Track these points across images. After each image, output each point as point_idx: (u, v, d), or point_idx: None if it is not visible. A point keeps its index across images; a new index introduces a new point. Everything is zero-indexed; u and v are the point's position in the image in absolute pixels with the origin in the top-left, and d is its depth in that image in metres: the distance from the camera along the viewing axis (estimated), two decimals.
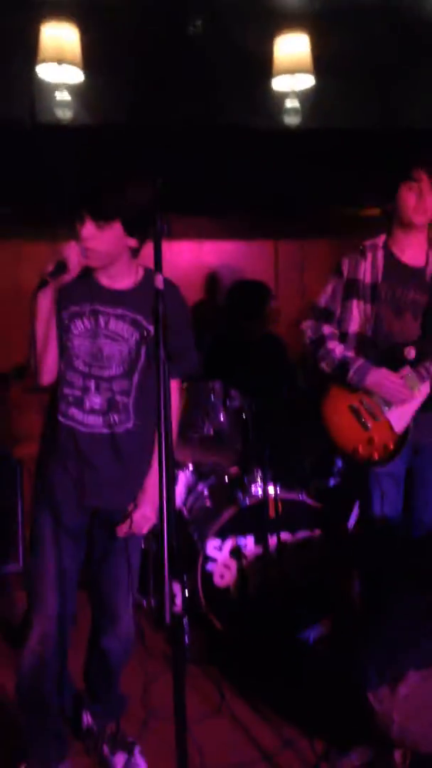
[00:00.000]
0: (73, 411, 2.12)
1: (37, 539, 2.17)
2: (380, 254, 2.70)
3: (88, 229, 2.00)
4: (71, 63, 3.32)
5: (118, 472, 2.15)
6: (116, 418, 2.13)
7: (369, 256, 2.70)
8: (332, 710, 2.46)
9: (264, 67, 3.62)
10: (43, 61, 3.26)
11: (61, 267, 1.96)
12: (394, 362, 2.63)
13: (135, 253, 2.11)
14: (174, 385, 2.28)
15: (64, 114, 3.41)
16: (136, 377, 2.13)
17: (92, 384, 2.11)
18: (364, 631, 2.38)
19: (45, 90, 3.43)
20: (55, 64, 3.25)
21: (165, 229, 1.75)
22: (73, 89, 3.43)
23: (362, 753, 2.35)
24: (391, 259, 2.69)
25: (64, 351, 2.09)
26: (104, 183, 2.01)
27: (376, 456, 2.65)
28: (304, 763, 2.37)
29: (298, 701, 2.66)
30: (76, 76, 3.36)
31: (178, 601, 1.53)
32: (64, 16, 3.32)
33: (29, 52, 3.35)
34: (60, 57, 3.23)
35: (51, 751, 2.26)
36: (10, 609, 3.43)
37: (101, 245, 2.01)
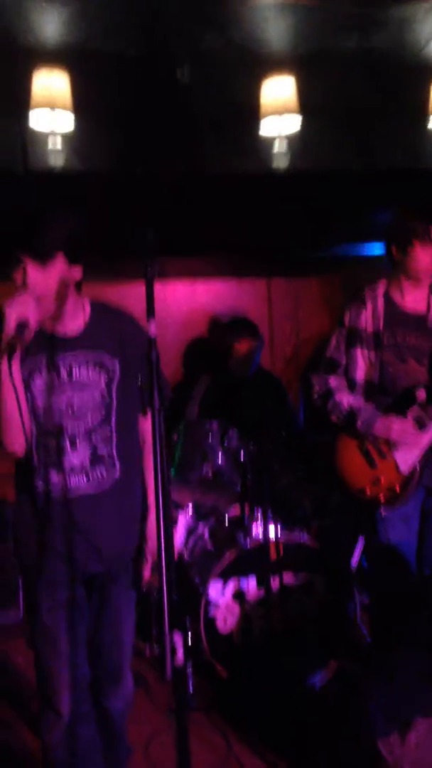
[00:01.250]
0: (52, 475, 1.98)
1: (42, 629, 2.03)
2: (380, 302, 2.73)
3: (33, 274, 1.90)
4: (62, 108, 3.36)
5: (113, 528, 2.04)
6: (103, 472, 2.01)
7: (369, 305, 2.74)
8: (340, 758, 2.40)
9: (251, 112, 3.67)
10: (35, 107, 3.32)
11: (23, 326, 1.82)
12: (405, 404, 2.66)
13: (79, 287, 2.00)
14: (148, 424, 2.22)
15: (56, 161, 3.45)
16: (113, 421, 2.02)
17: (67, 443, 1.97)
18: (372, 677, 2.33)
19: (36, 137, 3.48)
20: (48, 109, 3.29)
21: (154, 271, 1.70)
22: (66, 137, 3.48)
23: None
24: (391, 306, 2.72)
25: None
26: (34, 220, 1.94)
27: (381, 498, 2.66)
28: None
29: (306, 749, 2.59)
30: (67, 123, 3.41)
31: (180, 653, 1.50)
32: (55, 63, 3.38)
33: (20, 100, 3.41)
34: (51, 103, 3.27)
35: None
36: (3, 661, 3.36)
37: (50, 286, 1.92)
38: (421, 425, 2.61)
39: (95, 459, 1.99)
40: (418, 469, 2.64)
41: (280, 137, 3.64)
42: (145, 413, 1.98)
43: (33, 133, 3.42)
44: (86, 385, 1.98)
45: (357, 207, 3.89)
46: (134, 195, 3.65)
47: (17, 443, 1.93)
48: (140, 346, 2.05)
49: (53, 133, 3.39)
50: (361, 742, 2.19)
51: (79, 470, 1.99)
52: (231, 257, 4.37)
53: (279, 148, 3.74)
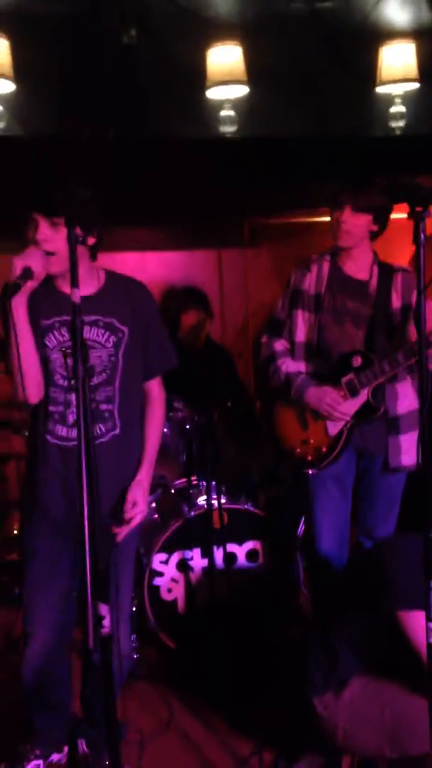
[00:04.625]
0: (59, 428, 2.09)
1: (32, 553, 2.16)
2: (326, 266, 2.78)
3: (44, 230, 1.97)
4: (1, 74, 3.26)
5: (110, 481, 2.08)
6: (102, 428, 2.11)
7: (314, 268, 2.79)
8: (281, 720, 2.45)
9: (198, 78, 3.61)
10: None
11: (27, 273, 1.91)
12: (341, 370, 2.69)
13: (93, 254, 2.10)
14: (157, 383, 2.30)
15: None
16: (117, 382, 2.12)
17: (73, 397, 2.06)
18: (311, 639, 2.37)
19: None
20: None
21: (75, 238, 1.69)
22: (3, 100, 3.37)
23: (311, 761, 2.33)
24: (336, 271, 2.77)
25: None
26: (50, 180, 2.00)
27: (310, 457, 2.71)
28: None
29: (249, 714, 2.63)
30: (6, 86, 3.30)
31: (106, 622, 1.49)
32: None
33: None
34: None
35: (51, 741, 2.27)
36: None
37: (61, 245, 1.96)
38: (353, 392, 2.65)
39: (96, 415, 2.09)
40: (345, 431, 2.68)
41: (228, 102, 3.58)
42: (151, 376, 2.23)
43: None
44: (95, 344, 2.08)
45: (307, 174, 3.87)
46: (78, 161, 3.56)
47: (32, 394, 2.04)
48: (151, 315, 2.22)
49: None
50: (297, 701, 2.23)
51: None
52: (181, 228, 4.32)
53: (227, 113, 3.68)
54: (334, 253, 2.78)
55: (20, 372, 1.96)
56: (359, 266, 2.75)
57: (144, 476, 2.25)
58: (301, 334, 2.79)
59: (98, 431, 2.09)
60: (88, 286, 2.09)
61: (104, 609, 1.47)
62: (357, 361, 2.65)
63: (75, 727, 2.38)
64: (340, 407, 2.65)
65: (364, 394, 2.64)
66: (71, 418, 2.07)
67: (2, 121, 3.42)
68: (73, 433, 2.01)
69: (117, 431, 2.13)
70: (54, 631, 2.17)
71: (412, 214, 1.67)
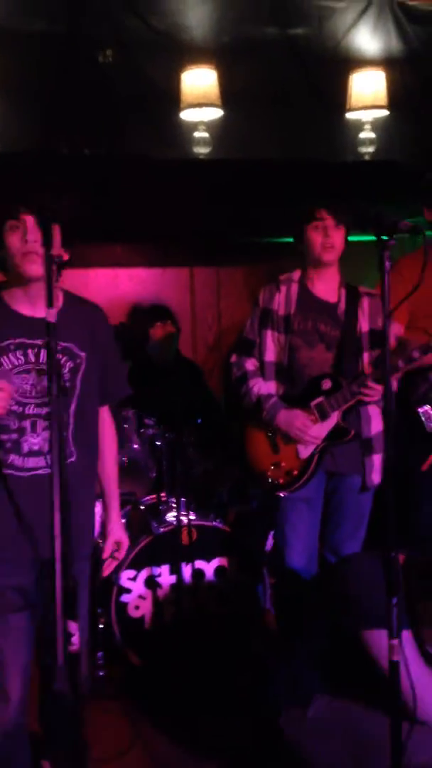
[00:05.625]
0: (12, 457, 1.99)
1: None
2: (294, 288, 2.80)
3: (33, 232, 1.90)
4: None
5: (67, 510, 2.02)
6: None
7: (283, 289, 2.81)
8: (246, 736, 2.46)
9: (172, 100, 3.67)
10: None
11: None
12: (311, 393, 2.72)
13: (59, 272, 1.99)
14: (107, 410, 2.27)
15: None
16: (72, 407, 2.05)
17: (28, 424, 1.99)
18: (276, 656, 2.39)
19: None
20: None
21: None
22: None
23: None
24: (305, 292, 2.80)
25: None
26: (42, 186, 1.97)
27: (281, 480, 2.73)
28: None
29: (214, 730, 2.64)
30: None
31: (75, 639, 1.51)
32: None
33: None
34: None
35: None
36: None
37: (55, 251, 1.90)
38: (323, 415, 2.68)
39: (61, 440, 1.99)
40: (316, 455, 2.71)
41: (202, 124, 3.65)
42: (104, 404, 2.20)
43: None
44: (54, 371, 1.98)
45: (279, 196, 3.93)
46: (55, 178, 3.59)
47: None
48: (109, 340, 2.18)
49: None
50: (262, 717, 2.25)
51: (37, 452, 2.00)
52: (154, 245, 4.36)
53: (200, 134, 3.74)
54: (302, 274, 2.82)
55: None
56: (328, 288, 2.80)
57: (117, 513, 2.27)
58: (270, 354, 2.80)
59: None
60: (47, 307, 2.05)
61: (73, 627, 1.49)
62: (326, 384, 2.69)
63: (38, 749, 2.34)
64: (310, 431, 2.68)
65: (334, 417, 2.67)
66: (26, 447, 1.99)
67: None
68: (30, 462, 1.99)
69: (73, 458, 2.05)
70: (25, 679, 2.04)
71: (377, 243, 1.72)
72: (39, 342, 2.00)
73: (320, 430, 2.69)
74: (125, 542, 2.29)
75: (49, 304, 1.59)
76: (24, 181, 2.07)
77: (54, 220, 1.86)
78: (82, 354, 2.07)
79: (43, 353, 1.99)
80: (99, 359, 2.11)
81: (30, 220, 1.92)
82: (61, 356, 2.03)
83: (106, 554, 2.29)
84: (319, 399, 2.68)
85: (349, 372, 2.69)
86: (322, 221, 2.69)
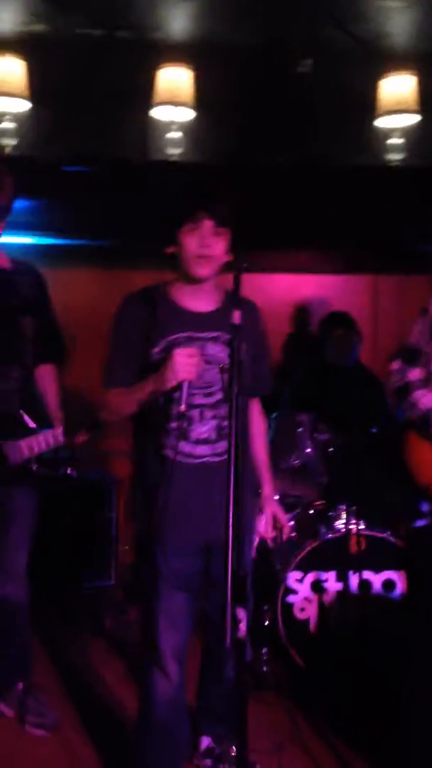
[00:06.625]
0: (181, 444, 2.05)
1: (159, 596, 2.11)
2: None
3: (208, 235, 2.03)
4: (182, 103, 3.52)
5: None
6: (225, 445, 2.06)
7: None
8: (404, 750, 2.41)
9: (369, 107, 3.67)
10: (158, 104, 3.52)
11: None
12: None
13: (221, 271, 2.12)
14: (257, 403, 2.36)
15: (174, 150, 3.62)
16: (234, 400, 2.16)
17: (197, 413, 2.08)
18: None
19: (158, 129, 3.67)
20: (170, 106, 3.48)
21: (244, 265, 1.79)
22: (184, 127, 3.62)
23: None
24: None
25: None
26: (218, 191, 2.09)
27: None
28: None
29: (371, 740, 2.62)
30: (186, 114, 3.55)
31: (242, 625, 1.57)
32: (174, 59, 3.52)
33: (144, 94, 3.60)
34: (174, 99, 3.46)
35: None
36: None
37: (218, 251, 2.05)
38: None
39: (220, 432, 2.09)
40: None
41: (397, 131, 3.62)
42: (253, 396, 2.28)
43: (154, 122, 3.60)
44: (215, 361, 2.09)
45: None
46: (243, 186, 3.72)
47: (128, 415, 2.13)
48: (263, 337, 2.28)
49: (172, 124, 3.56)
50: (427, 736, 2.19)
51: (204, 441, 2.09)
52: (337, 252, 4.37)
53: (395, 142, 3.72)
54: None
55: (126, 412, 2.11)
56: None
57: (270, 491, 2.38)
58: None
59: (223, 448, 2.07)
60: (210, 302, 2.14)
61: (242, 612, 1.55)
62: None
63: (195, 725, 2.45)
64: None
65: None
66: (194, 435, 2.07)
67: (181, 147, 3.66)
68: (198, 450, 2.07)
69: (240, 449, 2.14)
70: (182, 659, 2.15)
71: None
72: (204, 335, 2.10)
73: None
74: (281, 515, 2.36)
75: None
76: (224, 191, 2.18)
77: (229, 225, 2.02)
78: (242, 344, 2.09)
79: (208, 345, 2.09)
80: (254, 352, 2.17)
81: (208, 225, 2.03)
82: (222, 347, 2.10)
83: (261, 527, 2.35)
84: None
85: None
86: None
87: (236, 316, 1.71)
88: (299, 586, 3.08)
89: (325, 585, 3.08)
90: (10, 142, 3.60)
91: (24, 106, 3.53)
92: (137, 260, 3.85)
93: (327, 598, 3.08)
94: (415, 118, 3.60)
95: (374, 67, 3.70)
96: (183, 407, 1.96)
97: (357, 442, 3.27)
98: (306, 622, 3.08)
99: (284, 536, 2.42)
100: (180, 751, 2.31)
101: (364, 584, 3.08)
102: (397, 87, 3.61)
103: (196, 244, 2.05)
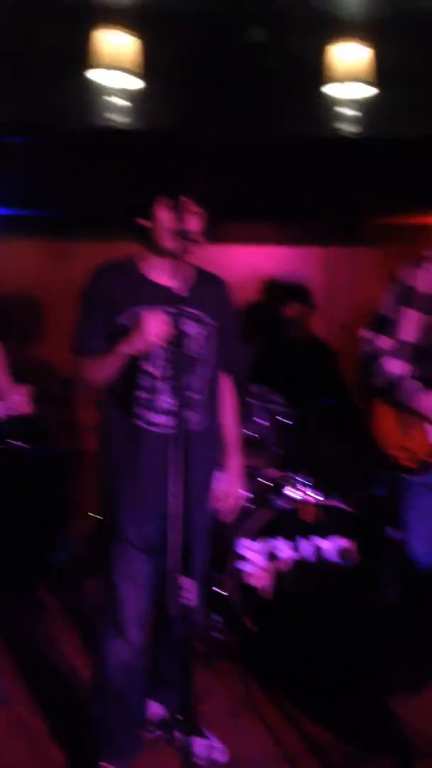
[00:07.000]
0: (147, 413, 2.14)
1: (123, 561, 2.18)
2: None
3: (185, 205, 2.04)
4: (130, 69, 3.43)
5: (197, 469, 2.09)
6: (193, 416, 2.18)
7: (429, 267, 2.68)
8: (358, 715, 2.47)
9: (321, 76, 3.63)
10: (98, 66, 3.41)
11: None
12: None
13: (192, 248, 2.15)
14: (228, 380, 2.41)
15: (121, 120, 3.53)
16: (204, 373, 2.21)
17: (162, 385, 2.13)
18: (395, 638, 2.38)
19: (102, 94, 3.57)
20: (111, 70, 3.38)
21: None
22: (131, 95, 3.54)
23: (385, 759, 2.35)
24: None
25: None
26: (199, 171, 2.13)
27: (407, 464, 2.68)
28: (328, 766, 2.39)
29: (326, 705, 2.67)
30: (133, 83, 3.47)
31: (189, 594, 1.58)
32: (122, 23, 3.44)
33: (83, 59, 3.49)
34: (117, 63, 3.36)
35: (130, 746, 2.30)
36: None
37: (193, 227, 2.08)
38: None
39: (185, 403, 2.11)
40: None
41: (347, 101, 3.60)
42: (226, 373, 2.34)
43: (101, 89, 3.50)
44: (187, 337, 2.14)
45: (423, 176, 3.81)
46: (195, 157, 3.67)
47: (96, 386, 2.16)
48: (233, 313, 2.34)
49: (120, 91, 3.47)
50: (377, 698, 2.25)
51: (168, 412, 2.13)
52: (291, 224, 4.36)
53: (348, 113, 3.70)
54: None
55: (101, 378, 2.12)
56: None
57: (237, 466, 2.42)
58: (409, 335, 2.69)
59: (191, 419, 2.15)
60: (181, 278, 2.12)
61: (187, 582, 1.56)
62: None
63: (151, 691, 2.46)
64: None
65: None
66: (159, 404, 2.13)
67: (128, 116, 3.59)
68: (163, 420, 2.13)
69: (204, 421, 2.22)
70: (144, 622, 2.21)
71: None
72: (175, 310, 2.08)
73: None
74: (237, 492, 2.43)
75: (178, 277, 1.66)
76: (174, 161, 2.17)
77: (207, 204, 2.07)
78: (214, 323, 2.21)
79: (180, 321, 2.07)
80: (225, 329, 2.26)
81: (184, 202, 2.05)
82: (195, 324, 2.17)
83: (219, 500, 2.41)
84: None
85: None
86: None
87: (180, 288, 1.70)
88: (253, 554, 3.11)
89: (279, 553, 3.12)
90: None
91: None
92: (84, 231, 3.80)
93: (281, 566, 3.12)
94: (369, 89, 3.58)
95: (327, 36, 3.66)
96: (153, 372, 2.05)
97: (311, 414, 3.30)
98: (259, 590, 3.11)
99: (236, 512, 2.47)
100: (136, 716, 2.34)
101: (318, 552, 3.12)
102: (350, 56, 3.57)
103: (171, 219, 2.06)
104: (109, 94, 3.54)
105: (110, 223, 2.29)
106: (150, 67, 3.53)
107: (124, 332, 2.06)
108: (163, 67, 3.58)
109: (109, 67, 3.42)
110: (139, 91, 3.56)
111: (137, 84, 3.52)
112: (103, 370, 2.13)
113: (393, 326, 2.74)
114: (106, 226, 2.16)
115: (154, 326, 1.97)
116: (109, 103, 3.56)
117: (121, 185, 2.27)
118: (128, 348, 2.04)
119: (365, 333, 2.82)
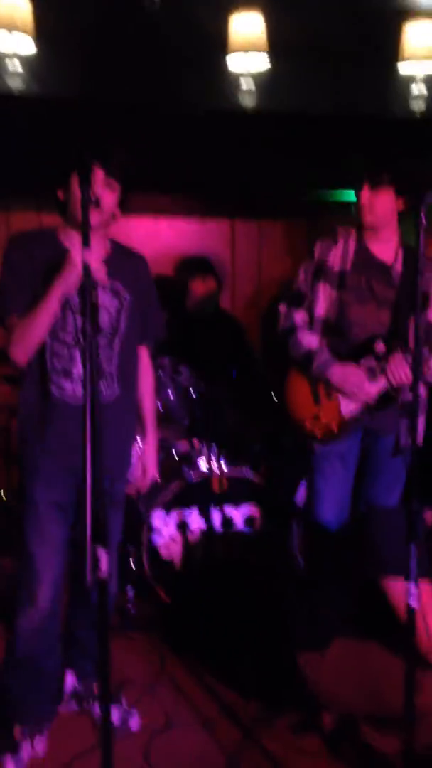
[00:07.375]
0: (63, 382, 2.17)
1: (35, 525, 2.19)
2: (352, 243, 2.74)
3: (100, 185, 2.04)
4: (23, 32, 3.29)
5: (112, 439, 2.12)
6: (105, 387, 2.20)
7: (341, 242, 2.75)
8: (267, 675, 2.55)
9: (219, 46, 3.62)
10: None
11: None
12: (362, 352, 2.70)
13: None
14: (146, 350, 2.42)
15: (15, 84, 3.40)
16: (118, 345, 2.23)
17: (77, 353, 2.15)
18: (299, 600, 2.46)
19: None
20: (5, 32, 3.23)
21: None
22: (24, 60, 3.41)
23: (294, 715, 2.44)
24: (362, 250, 2.73)
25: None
26: (114, 141, 2.13)
27: (318, 434, 2.74)
28: (241, 727, 2.45)
29: (237, 669, 2.74)
30: (27, 46, 3.34)
31: (103, 566, 1.58)
32: None
33: None
34: (11, 25, 3.21)
35: (44, 712, 2.30)
36: None
37: (108, 200, 2.08)
38: (372, 376, 2.67)
39: (98, 374, 2.15)
40: (358, 414, 2.72)
41: (246, 75, 3.60)
42: (144, 344, 2.37)
43: None
44: (101, 307, 2.18)
45: (328, 151, 3.87)
46: (97, 125, 3.60)
47: (26, 356, 2.13)
48: (150, 285, 2.36)
49: (13, 55, 3.33)
50: (283, 658, 2.33)
51: (82, 381, 2.09)
52: (196, 196, 4.35)
53: (245, 86, 3.70)
54: (360, 231, 2.74)
55: (35, 335, 2.08)
56: (385, 248, 2.72)
57: (153, 441, 2.46)
58: (321, 309, 2.76)
59: (102, 389, 2.18)
60: (98, 251, 2.15)
61: (102, 553, 1.56)
62: (380, 346, 2.67)
63: (65, 658, 2.46)
64: (366, 388, 2.67)
65: (381, 381, 2.68)
66: (75, 372, 2.15)
67: (21, 81, 3.46)
68: (78, 390, 2.15)
69: (118, 392, 2.24)
70: (56, 588, 2.22)
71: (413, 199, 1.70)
72: (92, 283, 2.09)
73: (372, 388, 2.68)
74: (151, 467, 2.48)
75: (85, 243, 1.67)
76: (74, 129, 2.14)
77: (124, 175, 2.08)
78: (128, 296, 2.23)
79: (97, 293, 2.12)
80: (142, 302, 2.29)
81: (99, 173, 2.06)
82: (109, 295, 2.19)
83: (136, 476, 2.48)
84: (370, 360, 2.67)
85: (403, 334, 2.66)
86: (360, 186, 2.63)
87: (88, 256, 1.68)
88: (163, 526, 3.13)
89: (189, 523, 3.16)
90: None
91: None
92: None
93: (191, 537, 3.16)
94: (263, 60, 3.57)
95: (226, 4, 3.64)
96: (68, 341, 2.09)
97: (217, 386, 3.33)
98: (171, 560, 3.14)
99: (149, 485, 2.52)
100: (50, 683, 2.34)
101: (227, 521, 3.18)
102: (249, 26, 3.57)
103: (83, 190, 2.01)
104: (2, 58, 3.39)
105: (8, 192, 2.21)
106: (44, 31, 3.41)
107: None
108: (59, 33, 3.46)
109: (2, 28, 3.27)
110: (33, 56, 3.43)
111: (30, 48, 3.39)
112: (36, 325, 2.08)
113: (306, 300, 2.81)
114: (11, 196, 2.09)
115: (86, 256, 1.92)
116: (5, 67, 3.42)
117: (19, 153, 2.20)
118: (62, 283, 2.00)
119: (282, 307, 2.88)
